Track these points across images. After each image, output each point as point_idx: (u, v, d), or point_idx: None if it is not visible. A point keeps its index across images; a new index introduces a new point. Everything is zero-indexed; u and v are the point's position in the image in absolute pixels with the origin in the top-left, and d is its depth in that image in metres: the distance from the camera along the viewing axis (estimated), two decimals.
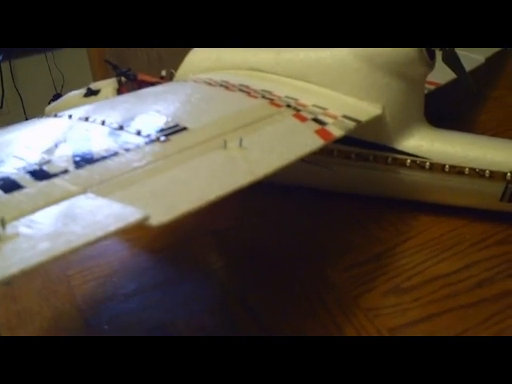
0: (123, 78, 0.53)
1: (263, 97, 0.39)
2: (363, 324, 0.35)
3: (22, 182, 0.26)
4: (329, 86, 0.42)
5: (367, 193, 0.46)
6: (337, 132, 0.36)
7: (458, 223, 0.43)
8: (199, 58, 0.48)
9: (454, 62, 0.46)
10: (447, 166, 0.41)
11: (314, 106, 0.39)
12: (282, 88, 0.41)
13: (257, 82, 0.42)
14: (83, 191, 0.25)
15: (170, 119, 0.34)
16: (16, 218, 0.23)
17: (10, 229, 0.22)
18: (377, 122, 0.41)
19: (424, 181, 0.43)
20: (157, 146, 0.30)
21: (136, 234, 0.44)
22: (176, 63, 0.49)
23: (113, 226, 0.22)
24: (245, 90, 0.40)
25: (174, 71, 0.50)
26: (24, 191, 0.25)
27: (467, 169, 0.41)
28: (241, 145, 0.31)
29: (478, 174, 0.41)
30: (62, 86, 1.71)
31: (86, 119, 0.34)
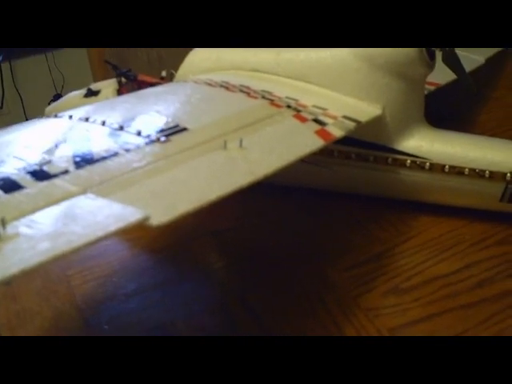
0: (123, 79, 0.53)
1: (263, 97, 0.39)
2: (363, 324, 0.35)
3: (22, 183, 0.26)
4: (329, 86, 0.42)
5: (367, 193, 0.46)
6: (337, 132, 0.36)
7: (457, 223, 0.43)
8: (199, 59, 0.48)
9: (454, 63, 0.46)
10: (447, 167, 0.41)
11: (314, 106, 0.39)
12: (283, 88, 0.42)
13: (257, 83, 0.42)
14: (83, 191, 0.25)
15: (170, 120, 0.34)
16: (16, 218, 0.23)
17: (10, 229, 0.22)
18: (377, 122, 0.41)
19: (424, 181, 0.43)
20: (157, 147, 0.30)
21: (136, 234, 0.44)
22: (176, 63, 0.49)
23: (113, 226, 0.22)
24: (245, 91, 0.40)
25: (174, 72, 0.50)
26: (24, 191, 0.25)
27: (467, 169, 0.41)
28: (241, 145, 0.31)
29: (477, 174, 0.41)
30: (62, 86, 1.71)
31: (87, 120, 0.34)
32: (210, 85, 0.42)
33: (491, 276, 0.38)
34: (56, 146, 0.30)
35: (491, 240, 0.41)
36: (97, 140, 0.31)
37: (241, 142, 0.31)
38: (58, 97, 1.28)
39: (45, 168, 0.27)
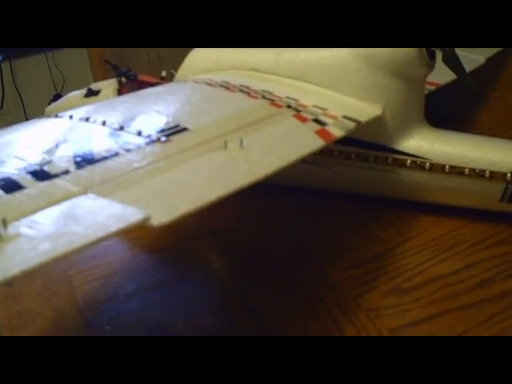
0: (123, 79, 0.53)
1: (263, 97, 0.39)
2: (364, 324, 0.35)
3: (22, 183, 0.26)
4: (329, 86, 0.42)
5: (367, 193, 0.46)
6: (337, 132, 0.36)
7: (458, 224, 0.43)
8: (199, 59, 0.48)
9: (454, 63, 0.46)
10: (447, 167, 0.41)
11: (315, 106, 0.39)
12: (283, 88, 0.42)
13: (257, 83, 0.42)
14: (84, 192, 0.25)
15: (170, 120, 0.34)
16: (17, 218, 0.23)
17: (11, 229, 0.22)
18: (377, 122, 0.41)
19: (424, 181, 0.43)
20: (157, 147, 0.30)
21: (137, 234, 0.44)
22: (176, 63, 0.49)
23: (114, 227, 0.22)
24: (245, 91, 0.40)
25: (174, 72, 0.50)
26: (25, 192, 0.25)
27: (467, 169, 0.41)
28: (241, 145, 0.31)
29: (478, 174, 0.41)
30: (63, 86, 1.71)
31: (87, 120, 0.34)
32: (210, 85, 0.42)
33: (492, 276, 0.38)
34: (56, 146, 0.30)
35: (492, 240, 0.41)
36: (97, 140, 0.31)
37: (241, 142, 0.31)
38: (58, 97, 1.28)
39: (45, 168, 0.27)
